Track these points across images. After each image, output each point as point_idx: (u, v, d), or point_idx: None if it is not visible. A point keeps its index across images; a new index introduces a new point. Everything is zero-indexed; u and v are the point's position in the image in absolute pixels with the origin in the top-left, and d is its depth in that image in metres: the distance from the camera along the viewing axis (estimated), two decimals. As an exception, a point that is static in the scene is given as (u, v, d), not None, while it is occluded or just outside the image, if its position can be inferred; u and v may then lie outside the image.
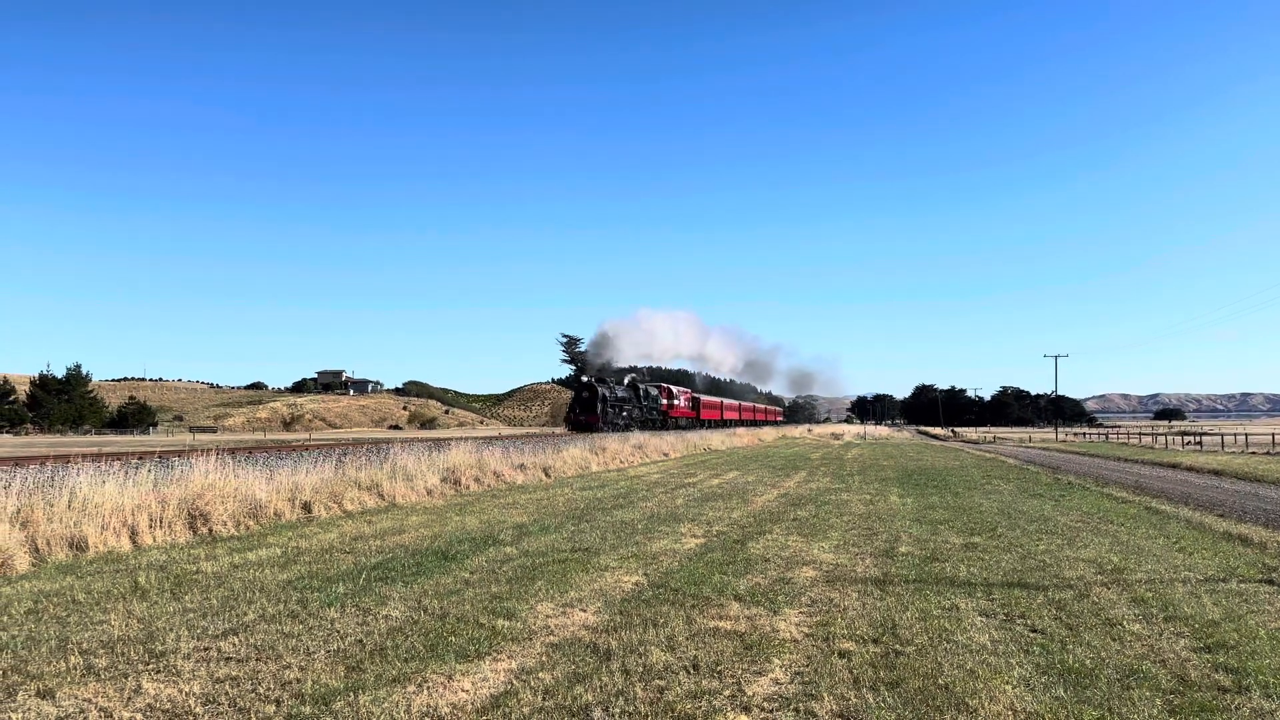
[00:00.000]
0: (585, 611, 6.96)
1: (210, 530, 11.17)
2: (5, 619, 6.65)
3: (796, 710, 4.68)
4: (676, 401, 63.86)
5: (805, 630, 6.37)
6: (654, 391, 58.61)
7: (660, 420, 58.21)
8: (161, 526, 10.68)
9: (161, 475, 11.93)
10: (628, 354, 72.55)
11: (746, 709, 4.69)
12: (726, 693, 4.93)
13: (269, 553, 9.81)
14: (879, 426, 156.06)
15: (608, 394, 48.06)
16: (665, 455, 35.29)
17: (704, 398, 77.18)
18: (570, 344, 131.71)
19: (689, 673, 5.28)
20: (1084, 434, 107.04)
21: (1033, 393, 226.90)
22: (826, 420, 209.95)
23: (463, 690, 4.94)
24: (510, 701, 4.73)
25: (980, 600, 7.51)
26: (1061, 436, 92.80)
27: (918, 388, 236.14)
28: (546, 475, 22.56)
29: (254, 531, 11.57)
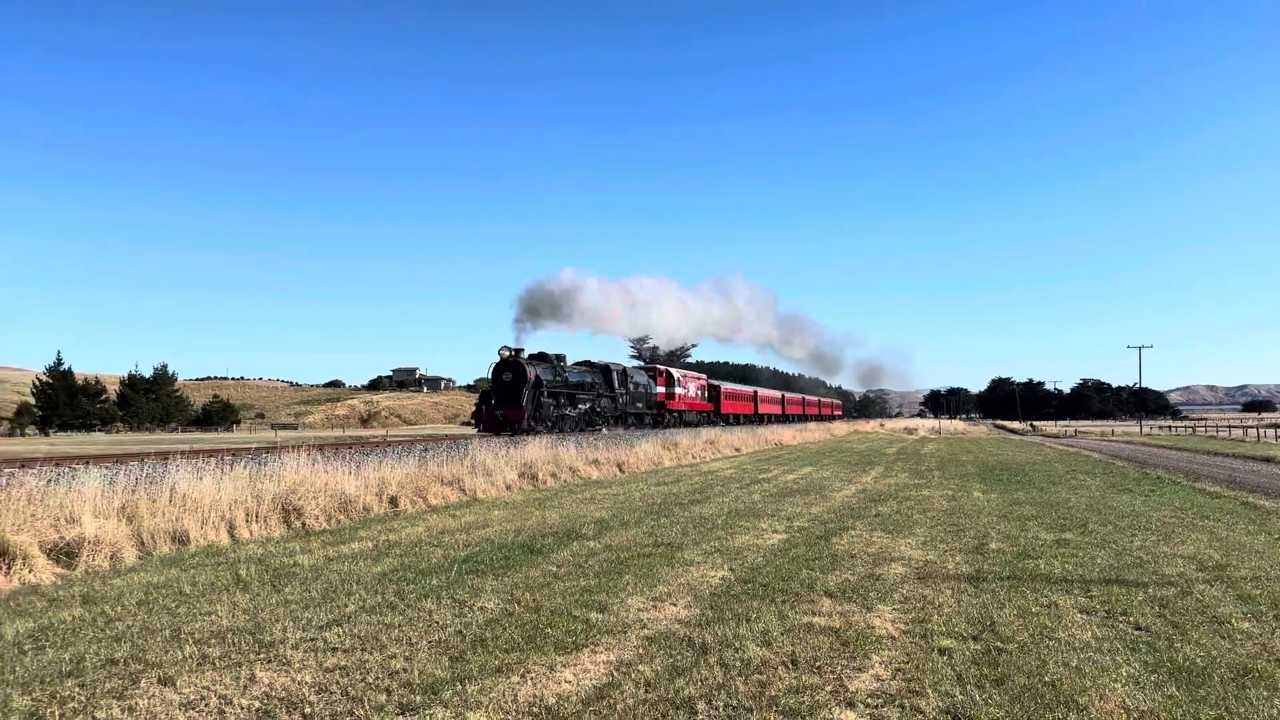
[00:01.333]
0: (675, 605, 6.99)
1: (303, 524, 11.49)
2: (120, 609, 6.93)
3: (902, 707, 4.64)
4: (681, 390, 49.81)
5: (901, 627, 6.30)
6: (641, 377, 43.66)
7: (653, 415, 44.60)
8: (257, 521, 11.01)
9: (254, 471, 12.30)
10: (619, 329, 58.88)
11: (851, 705, 4.66)
12: (828, 688, 4.91)
13: (361, 546, 10.06)
14: (953, 421, 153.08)
15: (542, 377, 31.34)
16: (737, 450, 35.18)
17: (727, 386, 62.59)
18: (639, 341, 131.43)
19: (788, 668, 5.27)
20: (1169, 427, 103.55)
21: (1114, 385, 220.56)
22: (898, 415, 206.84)
23: (565, 681, 5.01)
24: (614, 693, 4.78)
25: (1079, 597, 7.34)
26: (1145, 430, 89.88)
27: (994, 381, 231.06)
28: (620, 470, 22.68)
29: (345, 525, 11.87)
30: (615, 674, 5.15)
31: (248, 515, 10.95)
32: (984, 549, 9.92)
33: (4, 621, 6.46)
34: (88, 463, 13.00)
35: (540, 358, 33.08)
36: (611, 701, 4.66)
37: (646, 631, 6.16)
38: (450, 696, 4.73)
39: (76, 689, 4.89)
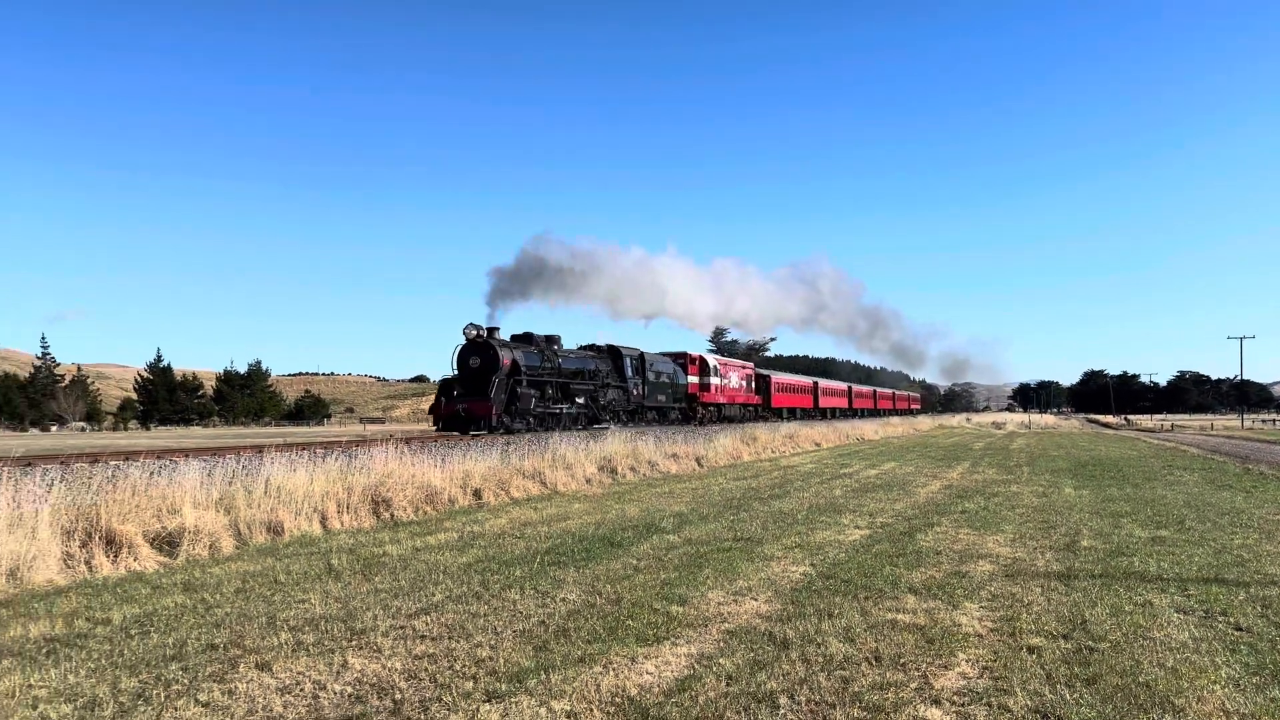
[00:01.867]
0: (756, 600, 6.97)
1: (392, 515, 11.79)
2: (219, 596, 7.22)
3: (989, 705, 4.56)
4: (719, 380, 42.82)
5: (989, 625, 6.18)
6: (666, 365, 37.45)
7: (681, 409, 38.66)
8: (348, 512, 11.34)
9: (345, 464, 12.66)
10: (629, 307, 51.10)
11: (936, 702, 4.60)
12: (913, 685, 4.85)
13: (447, 537, 10.27)
14: (1044, 415, 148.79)
15: (521, 363, 25.73)
16: (817, 445, 34.84)
17: (780, 376, 55.98)
18: (718, 335, 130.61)
19: (871, 664, 5.22)
20: (1273, 421, 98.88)
21: (1213, 377, 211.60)
22: (985, 409, 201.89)
23: (647, 672, 5.05)
24: (695, 685, 4.81)
25: (1175, 596, 7.10)
26: (1247, 424, 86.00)
27: (1086, 373, 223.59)
28: (699, 465, 22.67)
29: (431, 516, 12.14)
30: (696, 666, 5.17)
31: (339, 506, 11.28)
32: (1075, 546, 9.65)
33: (112, 607, 6.78)
34: (187, 455, 13.54)
35: (523, 339, 27.57)
36: (693, 693, 4.68)
37: (727, 625, 6.16)
38: (535, 685, 4.81)
39: (180, 672, 5.11)
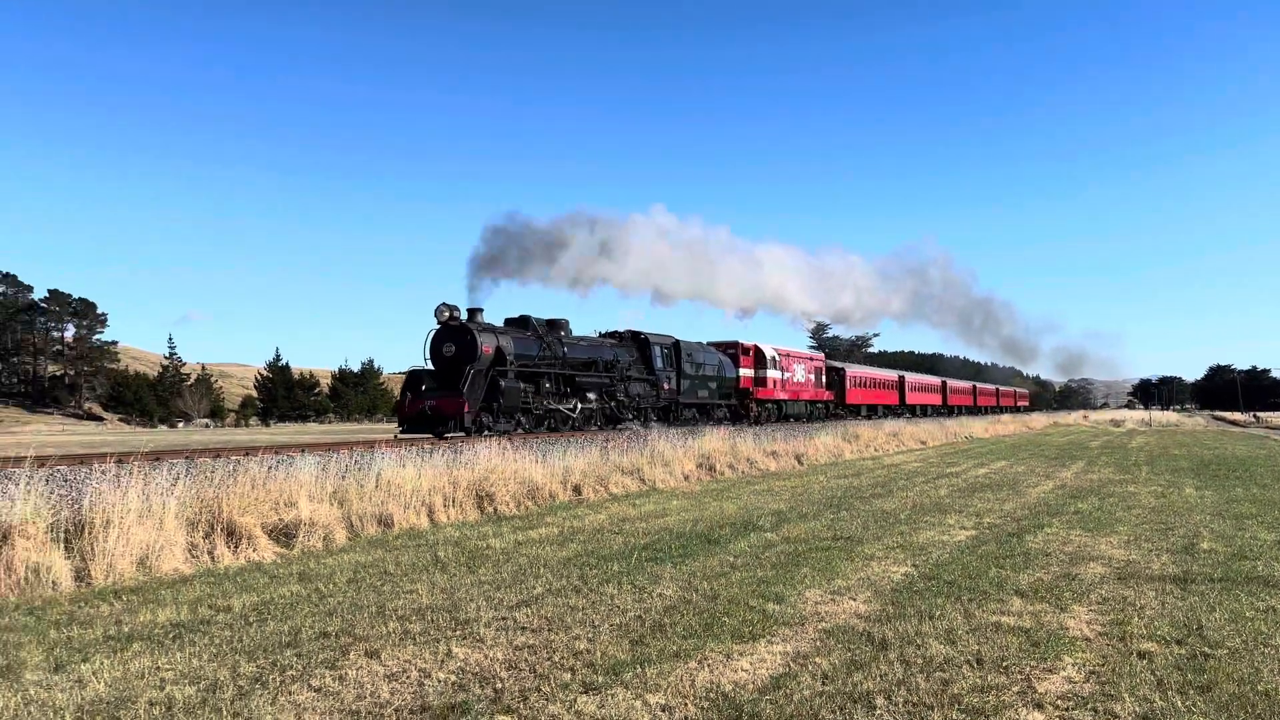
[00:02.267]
0: (855, 600, 6.91)
1: (495, 510, 12.08)
2: (332, 586, 7.53)
3: (1094, 710, 4.42)
4: (779, 373, 37.68)
5: (1098, 629, 5.98)
6: (709, 355, 32.46)
7: (730, 406, 33.81)
8: (454, 506, 11.66)
9: (451, 459, 13.02)
10: (723, 298, 46.87)
11: (1039, 706, 4.49)
12: (1015, 689, 4.74)
13: (547, 531, 10.47)
14: (1165, 412, 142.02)
15: (508, 351, 21.54)
16: (923, 443, 34.10)
17: (856, 370, 50.94)
18: (818, 330, 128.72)
19: (972, 666, 5.11)
20: None
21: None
22: (1104, 406, 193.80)
23: (742, 669, 5.07)
24: (790, 683, 4.80)
25: (1304, 604, 6.73)
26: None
27: (1212, 368, 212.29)
28: (799, 462, 22.48)
29: (532, 511, 12.38)
30: (792, 665, 5.16)
31: (445, 500, 11.61)
32: (1194, 549, 9.23)
33: (233, 595, 7.15)
34: (303, 450, 14.12)
35: (517, 323, 23.43)
36: (788, 692, 4.68)
37: (824, 625, 6.13)
38: (630, 679, 4.88)
39: (294, 658, 5.36)
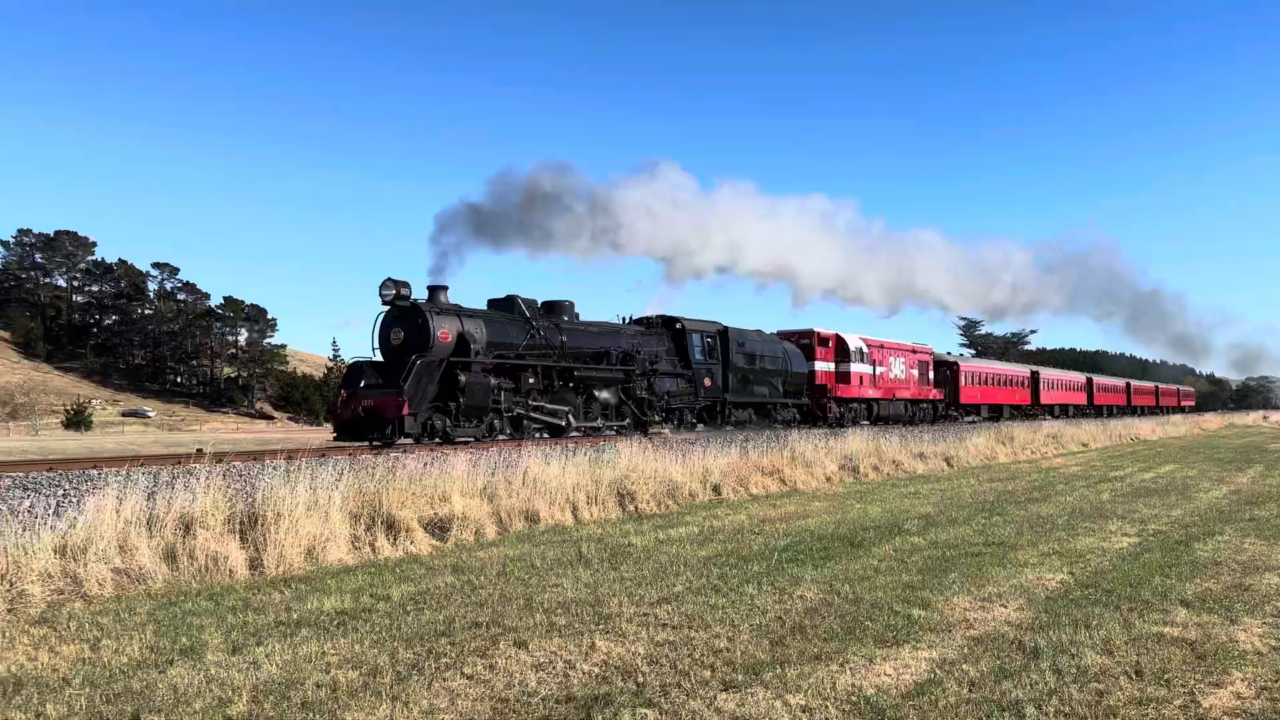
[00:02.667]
0: (1006, 607, 6.68)
1: (636, 508, 12.26)
2: (482, 578, 7.83)
3: (1268, 731, 4.15)
4: (867, 368, 32.29)
5: (1272, 643, 5.60)
6: (770, 346, 27.24)
7: (798, 405, 28.39)
8: (596, 504, 11.92)
9: (593, 458, 13.29)
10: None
11: (1204, 723, 4.25)
12: (1177, 702, 4.49)
13: (687, 530, 10.55)
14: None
15: (474, 338, 17.44)
16: (1084, 445, 32.49)
17: (972, 365, 44.46)
18: (970, 327, 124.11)
19: (1131, 678, 4.88)
20: None
21: None
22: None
23: (885, 674, 5.00)
24: (935, 690, 4.70)
25: None
26: None
27: None
28: (948, 465, 21.82)
29: (672, 510, 12.51)
30: (937, 671, 5.05)
31: (588, 498, 11.89)
32: (1391, 563, 8.48)
33: (392, 585, 7.54)
34: (455, 448, 14.69)
35: (502, 305, 19.41)
36: (932, 698, 4.59)
37: (972, 631, 5.96)
38: (770, 679, 4.89)
39: (448, 646, 5.62)
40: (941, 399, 39.49)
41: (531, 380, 18.20)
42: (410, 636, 5.88)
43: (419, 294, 17.57)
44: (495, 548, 9.45)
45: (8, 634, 5.87)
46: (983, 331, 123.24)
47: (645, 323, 23.63)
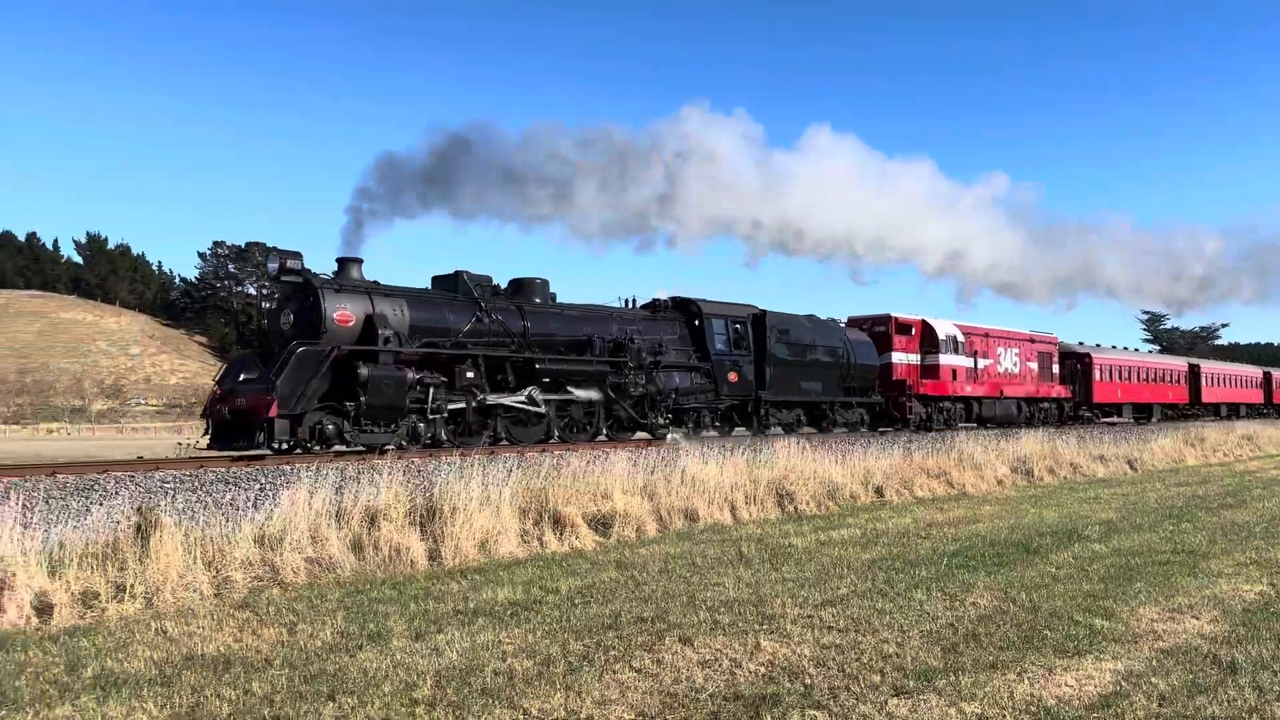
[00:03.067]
0: (1198, 619, 6.28)
1: (795, 509, 12.17)
2: (645, 574, 7.97)
3: None
4: (961, 360, 26.94)
5: None
6: (817, 335, 22.27)
7: (865, 404, 23.40)
8: (754, 504, 11.90)
9: (751, 458, 13.27)
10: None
11: None
12: (1404, 731, 4.12)
13: (849, 532, 10.39)
14: None
15: (392, 317, 13.85)
16: (1283, 448, 29.96)
17: (1106, 357, 36.06)
18: (1153, 321, 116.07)
19: (1347, 701, 4.50)
20: None
21: None
22: None
23: (1066, 685, 4.79)
24: (1121, 703, 4.48)
25: None
26: None
27: None
28: (1131, 468, 20.60)
29: (832, 512, 12.33)
30: (1123, 684, 4.80)
31: (746, 498, 11.89)
32: None
33: (560, 579, 7.77)
34: (615, 447, 14.96)
35: (446, 281, 15.95)
36: (1118, 711, 4.37)
37: (1161, 644, 5.63)
38: (943, 686, 4.78)
39: (616, 640, 5.76)
40: (1069, 397, 33.16)
41: (471, 375, 14.49)
42: (579, 629, 6.05)
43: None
44: (656, 545, 9.58)
45: (215, 617, 6.41)
46: (1168, 325, 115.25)
47: (654, 307, 19.73)
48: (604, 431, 16.92)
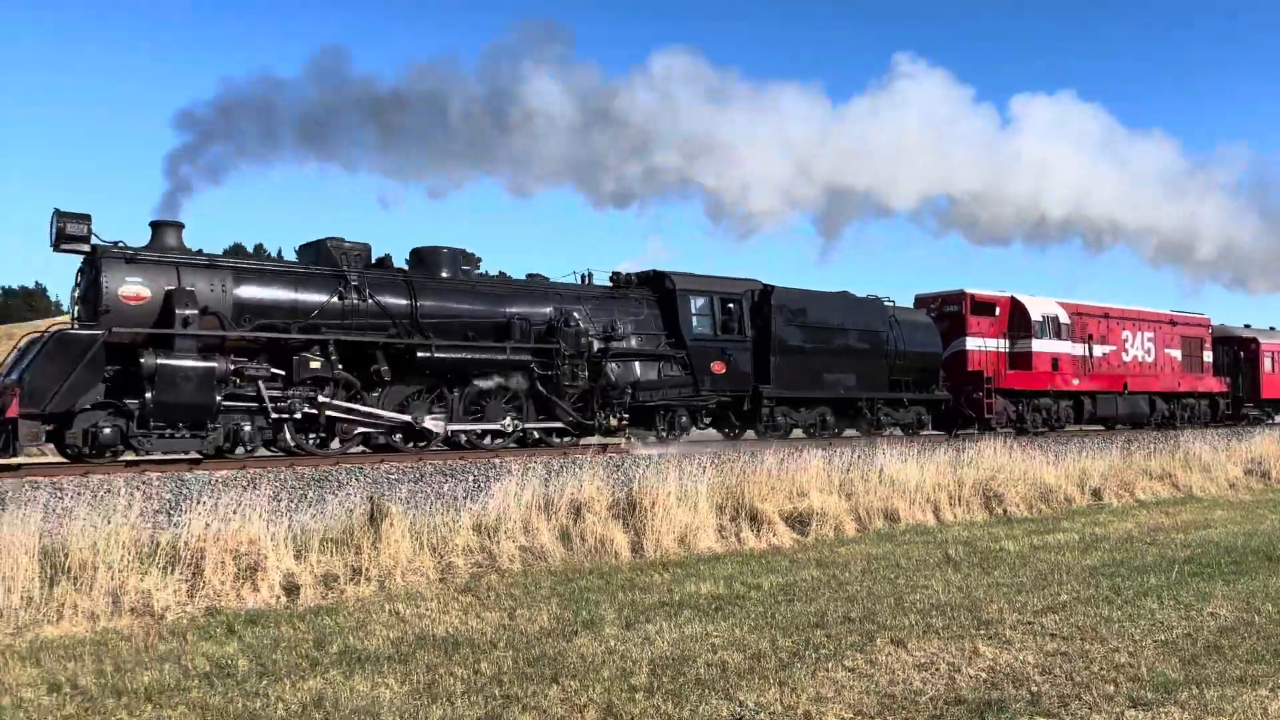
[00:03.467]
0: None
1: (1004, 511, 11.66)
2: (847, 574, 7.86)
3: None
4: (1060, 346, 21.48)
5: None
6: (848, 315, 17.69)
7: (926, 401, 18.62)
8: (959, 505, 11.50)
9: (953, 458, 12.81)
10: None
11: None
12: None
13: (1065, 537, 9.86)
14: None
15: (199, 297, 11.01)
16: None
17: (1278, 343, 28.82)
18: None
19: None
20: None
21: None
22: None
23: (1331, 707, 4.38)
24: (1402, 731, 4.05)
25: None
26: None
27: None
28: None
29: (1045, 515, 11.74)
30: (1402, 709, 4.34)
31: (950, 499, 11.50)
32: None
33: (760, 575, 7.79)
34: (809, 444, 14.79)
35: (310, 252, 13.08)
36: (1399, 740, 3.95)
37: None
38: (1186, 699, 4.47)
39: (824, 639, 5.72)
40: (1225, 391, 26.66)
41: (316, 365, 11.67)
42: (786, 625, 6.05)
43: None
44: (856, 544, 9.43)
45: (441, 600, 6.82)
46: None
47: (617, 281, 15.83)
48: (526, 430, 13.40)
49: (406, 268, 13.45)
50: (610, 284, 15.64)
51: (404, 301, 12.65)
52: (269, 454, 11.56)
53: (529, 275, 14.84)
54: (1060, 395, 21.60)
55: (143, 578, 6.37)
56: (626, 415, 14.19)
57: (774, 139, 20.70)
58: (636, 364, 14.77)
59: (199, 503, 7.32)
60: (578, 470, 9.79)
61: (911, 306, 20.25)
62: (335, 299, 12.13)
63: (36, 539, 6.38)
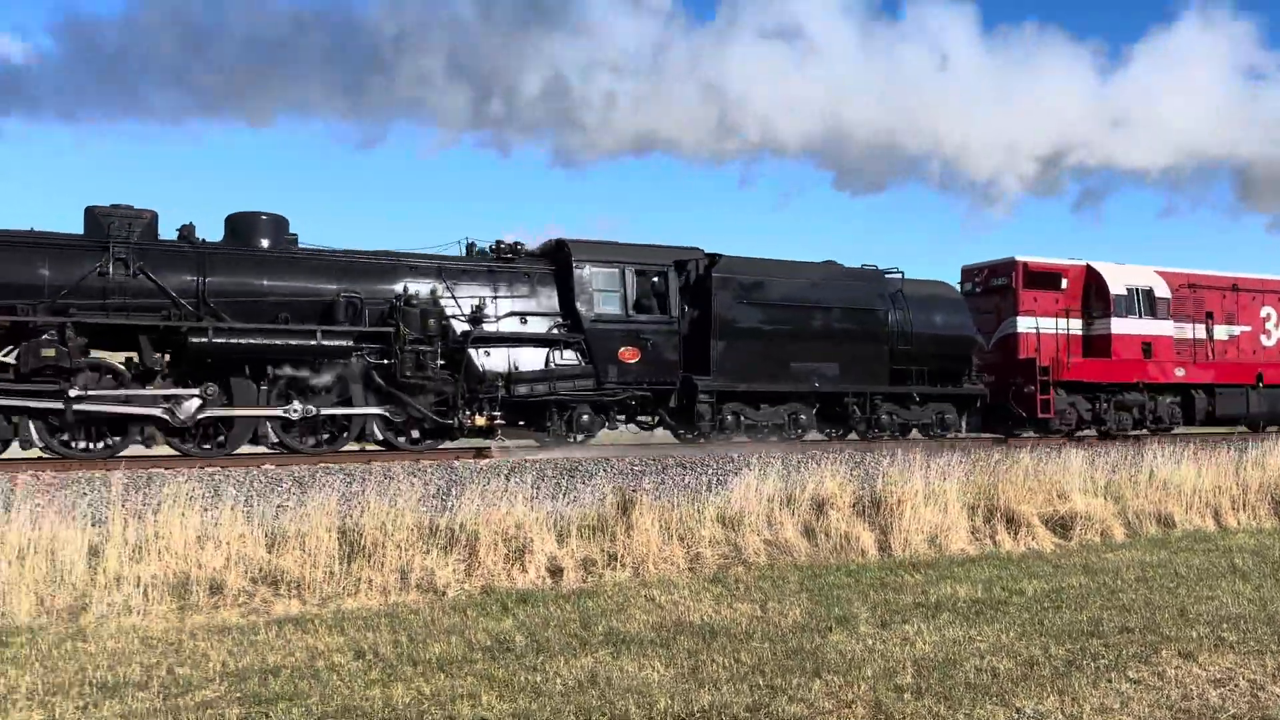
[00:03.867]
0: None
1: (1299, 518, 10.51)
2: (1119, 582, 7.36)
3: None
4: (1152, 327, 16.78)
5: None
6: (830, 290, 14.21)
7: (948, 397, 14.90)
8: (1243, 509, 10.54)
9: (1236, 459, 11.71)
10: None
11: None
12: None
13: (1380, 550, 8.75)
14: None
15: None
16: None
17: None
18: None
19: None
20: None
21: None
22: None
23: None
24: None
25: None
26: None
27: None
28: None
29: (1351, 525, 10.46)
30: None
31: (1233, 503, 10.53)
32: None
33: (1021, 580, 7.42)
34: (1070, 442, 13.88)
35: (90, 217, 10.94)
36: None
37: None
38: None
39: (1102, 648, 5.38)
40: None
41: (49, 352, 9.80)
42: (1057, 633, 5.74)
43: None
44: (1126, 550, 8.80)
45: (692, 588, 6.98)
46: None
47: (499, 252, 13.00)
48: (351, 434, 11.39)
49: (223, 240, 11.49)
50: (491, 255, 12.96)
51: (189, 277, 10.77)
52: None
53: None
54: (1157, 389, 17.04)
55: (424, 557, 6.95)
56: (498, 413, 11.96)
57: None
58: (515, 351, 12.37)
59: (467, 489, 7.92)
60: (816, 466, 9.70)
61: (932, 279, 16.08)
62: (95, 275, 10.32)
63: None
